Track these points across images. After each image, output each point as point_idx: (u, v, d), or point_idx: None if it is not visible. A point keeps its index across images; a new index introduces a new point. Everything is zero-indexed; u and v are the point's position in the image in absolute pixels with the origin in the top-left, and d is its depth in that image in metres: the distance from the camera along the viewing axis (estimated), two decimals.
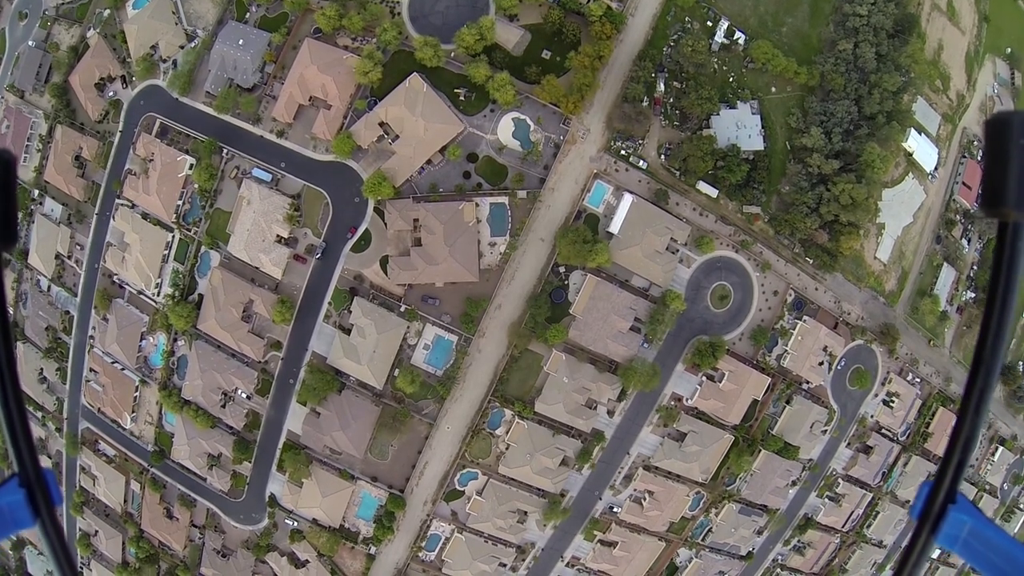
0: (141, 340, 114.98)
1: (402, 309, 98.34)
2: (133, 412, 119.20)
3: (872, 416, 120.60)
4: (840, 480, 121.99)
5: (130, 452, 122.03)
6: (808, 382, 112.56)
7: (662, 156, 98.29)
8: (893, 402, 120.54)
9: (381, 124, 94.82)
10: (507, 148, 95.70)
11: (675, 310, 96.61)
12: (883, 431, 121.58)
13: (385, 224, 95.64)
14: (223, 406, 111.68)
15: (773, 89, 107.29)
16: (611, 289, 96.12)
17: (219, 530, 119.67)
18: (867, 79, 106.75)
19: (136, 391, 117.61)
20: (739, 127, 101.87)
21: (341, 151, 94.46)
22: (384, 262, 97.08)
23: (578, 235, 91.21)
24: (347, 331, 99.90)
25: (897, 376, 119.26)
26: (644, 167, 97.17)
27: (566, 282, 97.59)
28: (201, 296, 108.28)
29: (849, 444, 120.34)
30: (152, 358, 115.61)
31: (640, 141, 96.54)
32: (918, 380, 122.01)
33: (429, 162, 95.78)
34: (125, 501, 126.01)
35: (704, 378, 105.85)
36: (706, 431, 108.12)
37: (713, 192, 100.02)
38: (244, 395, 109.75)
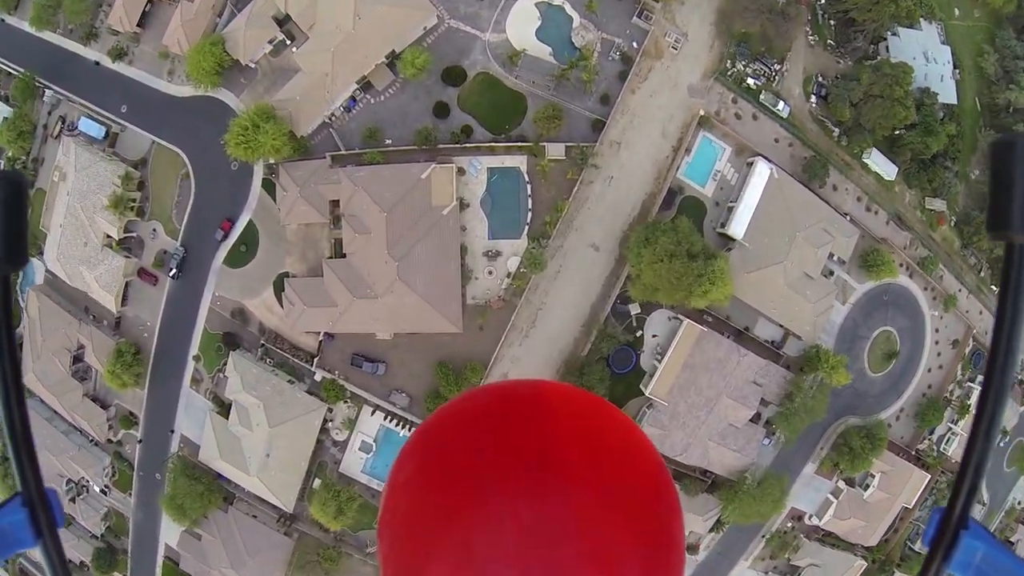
0: None
1: (316, 377, 39.61)
2: None
3: (1021, 504, 64.79)
4: None
5: None
6: None
7: (812, 97, 39.94)
8: None
9: (278, 20, 36.28)
10: (526, 57, 36.86)
11: (829, 386, 38.20)
12: None
13: (279, 209, 36.93)
14: (72, 500, 54.49)
15: (957, 12, 49.74)
16: (726, 348, 38.66)
17: None
18: None
19: None
20: (928, 60, 44.01)
21: (200, 73, 36.44)
22: (280, 286, 38.42)
23: (676, 241, 32.57)
24: (227, 408, 41.55)
25: None
26: (785, 115, 38.63)
27: (639, 334, 38.80)
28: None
29: None
30: None
31: (776, 65, 38.22)
32: None
33: (367, 86, 37.34)
34: None
35: (843, 485, 47.99)
36: (832, 561, 51.02)
37: (891, 171, 41.87)
38: (97, 488, 52.11)
